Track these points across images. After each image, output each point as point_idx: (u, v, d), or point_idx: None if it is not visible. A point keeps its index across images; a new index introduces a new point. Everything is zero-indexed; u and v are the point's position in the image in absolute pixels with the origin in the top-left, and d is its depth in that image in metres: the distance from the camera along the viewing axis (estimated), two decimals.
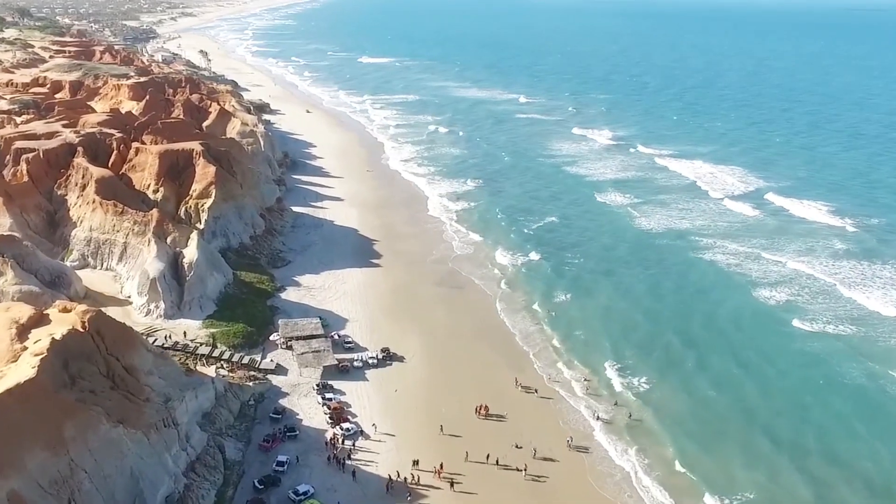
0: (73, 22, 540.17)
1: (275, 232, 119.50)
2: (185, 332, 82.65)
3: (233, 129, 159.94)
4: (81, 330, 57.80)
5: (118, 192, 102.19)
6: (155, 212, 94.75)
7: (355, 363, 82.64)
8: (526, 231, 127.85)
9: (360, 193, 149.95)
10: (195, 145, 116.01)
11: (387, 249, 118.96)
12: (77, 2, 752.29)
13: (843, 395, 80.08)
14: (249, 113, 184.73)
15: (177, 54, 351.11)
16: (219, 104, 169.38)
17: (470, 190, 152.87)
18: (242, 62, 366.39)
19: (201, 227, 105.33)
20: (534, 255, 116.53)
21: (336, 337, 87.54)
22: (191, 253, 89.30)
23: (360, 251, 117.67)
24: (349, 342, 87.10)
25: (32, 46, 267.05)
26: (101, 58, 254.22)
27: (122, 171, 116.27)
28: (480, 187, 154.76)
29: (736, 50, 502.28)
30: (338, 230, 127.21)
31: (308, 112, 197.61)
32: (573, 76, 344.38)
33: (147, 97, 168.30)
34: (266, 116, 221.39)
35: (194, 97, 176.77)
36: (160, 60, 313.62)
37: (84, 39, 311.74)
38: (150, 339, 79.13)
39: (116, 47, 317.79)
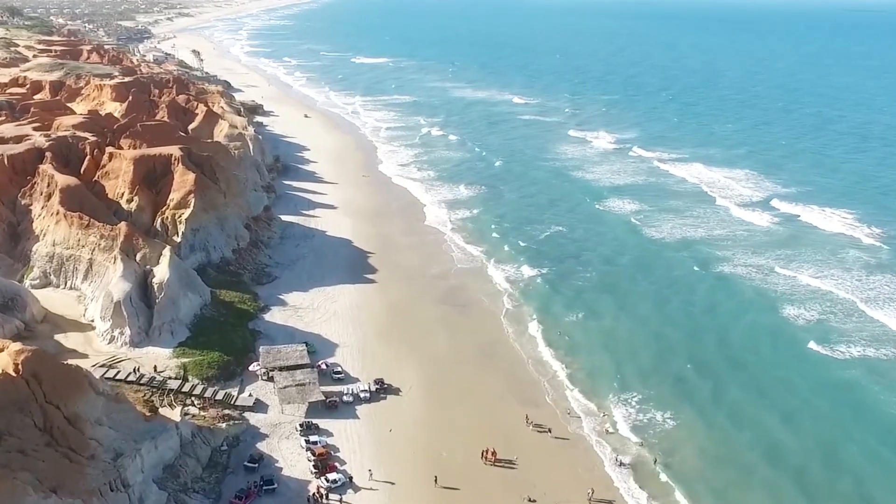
0: (66, 22, 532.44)
1: (261, 244, 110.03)
2: (155, 367, 73.02)
3: (220, 132, 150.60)
4: (14, 374, 48.48)
5: (85, 202, 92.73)
6: (123, 225, 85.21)
7: (345, 397, 73.21)
8: (528, 242, 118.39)
9: (354, 201, 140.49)
10: (174, 150, 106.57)
11: (382, 263, 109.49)
12: (74, 2, 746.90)
13: (877, 431, 71.14)
14: (239, 115, 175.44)
15: (169, 54, 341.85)
16: (206, 105, 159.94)
17: (468, 196, 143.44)
18: (237, 62, 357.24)
19: (178, 240, 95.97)
20: (538, 269, 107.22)
21: (324, 366, 78.09)
22: (162, 271, 79.87)
23: (353, 265, 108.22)
24: (338, 372, 77.63)
25: (17, 45, 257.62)
26: (88, 57, 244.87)
27: (96, 178, 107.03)
28: (479, 193, 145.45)
29: (734, 50, 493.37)
30: (330, 242, 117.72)
31: (306, 116, 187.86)
32: (570, 76, 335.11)
33: (130, 98, 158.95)
34: (258, 118, 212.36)
35: (181, 98, 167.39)
36: (151, 60, 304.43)
37: (72, 39, 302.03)
38: (112, 372, 69.84)
39: (107, 47, 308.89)
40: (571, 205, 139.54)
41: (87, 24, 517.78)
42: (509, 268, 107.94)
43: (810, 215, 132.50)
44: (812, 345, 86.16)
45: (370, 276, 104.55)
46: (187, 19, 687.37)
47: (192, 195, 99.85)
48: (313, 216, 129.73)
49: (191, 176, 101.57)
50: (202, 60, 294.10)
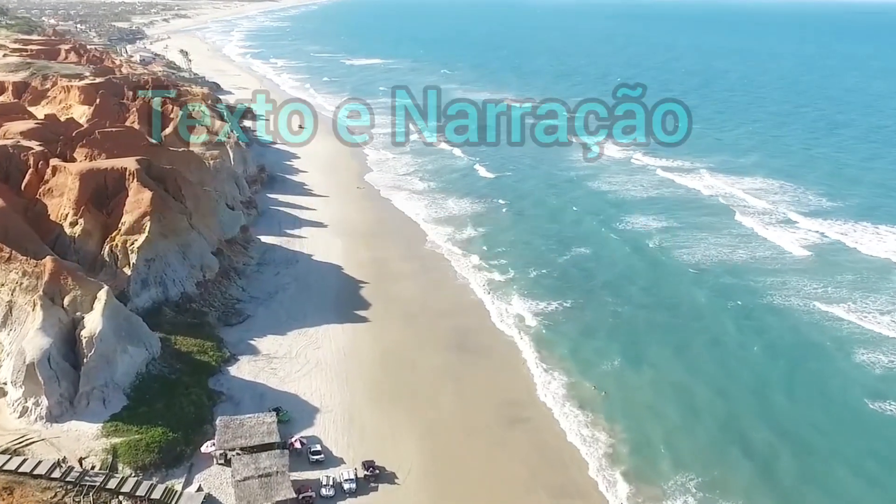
0: (58, 22, 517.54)
1: (233, 274, 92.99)
2: (81, 460, 56.11)
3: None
4: None
5: (11, 227, 75.73)
6: (48, 261, 68.13)
7: (324, 490, 56.26)
8: (546, 267, 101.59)
9: (347, 217, 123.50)
10: (129, 163, 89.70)
11: (377, 295, 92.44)
12: (72, 4, 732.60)
13: None
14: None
15: (158, 55, 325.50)
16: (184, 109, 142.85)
17: (475, 212, 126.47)
18: (230, 64, 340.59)
19: (129, 272, 79.10)
20: (560, 301, 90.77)
21: (298, 444, 61.10)
22: (93, 321, 62.92)
23: (342, 298, 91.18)
24: (317, 452, 60.60)
25: None
26: (66, 57, 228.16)
27: (38, 195, 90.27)
28: (486, 208, 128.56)
29: (734, 50, 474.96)
30: (317, 268, 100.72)
31: (301, 127, 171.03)
32: (573, 77, 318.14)
33: (97, 101, 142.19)
34: (247, 122, 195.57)
35: (157, 100, 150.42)
36: (138, 61, 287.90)
37: (52, 38, 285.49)
38: (15, 462, 52.89)
39: (90, 47, 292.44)
40: (593, 221, 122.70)
41: (78, 25, 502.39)
42: (529, 300, 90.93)
43: (842, 234, 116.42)
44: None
45: (362, 313, 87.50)
46: (184, 21, 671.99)
47: (148, 218, 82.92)
48: (299, 236, 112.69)
49: (147, 195, 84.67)
50: (190, 61, 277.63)
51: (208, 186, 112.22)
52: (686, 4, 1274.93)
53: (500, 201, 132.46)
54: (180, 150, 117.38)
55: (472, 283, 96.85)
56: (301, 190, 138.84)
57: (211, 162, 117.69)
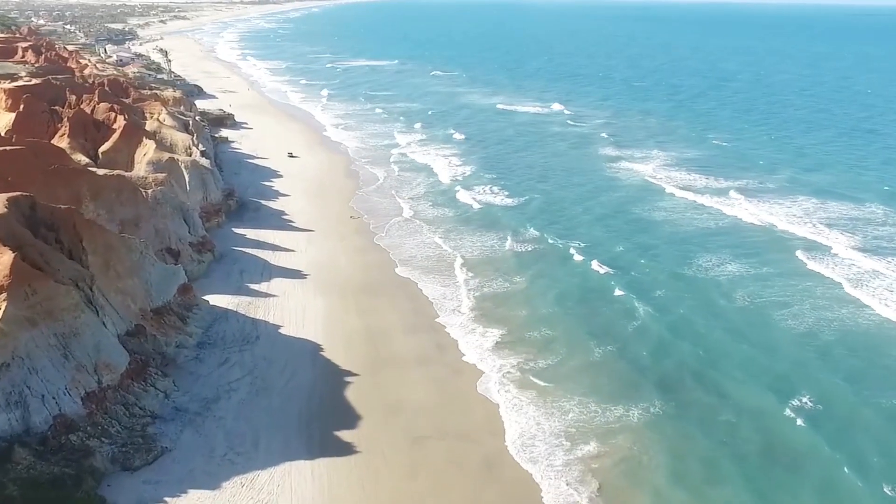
0: (47, 22, 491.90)
1: (155, 368, 62.16)
2: None
3: (143, 157, 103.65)
4: None
5: None
6: None
7: None
8: (613, 358, 69.38)
9: (334, 262, 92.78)
10: None
11: (368, 403, 61.42)
12: (70, 6, 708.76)
13: None
14: (187, 130, 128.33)
15: (142, 55, 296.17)
16: (127, 118, 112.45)
17: (489, 252, 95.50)
18: (220, 65, 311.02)
19: None
20: (638, 434, 58.98)
21: None
22: None
23: (317, 408, 60.20)
24: None
25: None
26: (22, 56, 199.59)
27: None
28: (513, 251, 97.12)
29: (737, 51, 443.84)
30: (285, 349, 69.81)
31: (292, 156, 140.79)
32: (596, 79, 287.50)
33: (21, 108, 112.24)
34: (225, 132, 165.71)
35: (102, 107, 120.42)
36: (115, 61, 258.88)
37: (15, 36, 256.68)
38: None
39: (68, 46, 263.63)
40: (655, 268, 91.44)
41: (66, 26, 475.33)
42: (607, 407, 59.82)
43: None
44: None
45: (345, 437, 56.52)
46: (182, 23, 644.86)
47: (4, 296, 52.36)
48: (265, 294, 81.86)
49: (6, 258, 54.10)
50: (170, 61, 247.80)
51: (144, 224, 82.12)
52: (683, 6, 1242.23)
53: (517, 232, 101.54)
54: (108, 174, 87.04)
55: (503, 375, 65.58)
56: (278, 221, 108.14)
57: (150, 191, 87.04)
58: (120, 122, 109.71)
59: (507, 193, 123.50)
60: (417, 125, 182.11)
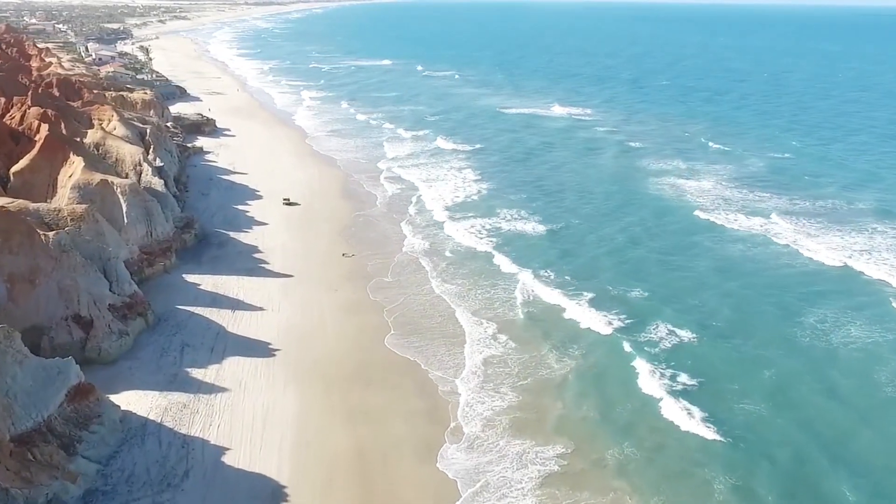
0: (38, 22, 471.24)
1: None
2: None
3: (67, 179, 78.31)
4: None
5: None
6: None
7: None
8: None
9: (315, 328, 66.84)
10: None
11: None
12: (69, 6, 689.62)
13: None
14: (143, 141, 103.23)
15: (126, 53, 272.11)
16: (51, 129, 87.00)
17: (524, 316, 69.83)
18: (212, 65, 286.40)
19: None
20: None
21: None
22: None
23: None
24: None
25: None
26: None
27: None
28: (529, 296, 71.29)
29: (740, 51, 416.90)
30: (223, 499, 44.19)
31: (288, 203, 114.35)
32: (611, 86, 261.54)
33: None
34: (201, 141, 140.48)
35: (32, 112, 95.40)
36: (93, 60, 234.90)
37: None
38: None
39: (46, 44, 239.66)
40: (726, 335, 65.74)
41: (58, 25, 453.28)
42: None
43: None
44: None
45: None
46: (181, 23, 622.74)
47: None
48: (212, 386, 56.07)
49: None
50: (151, 59, 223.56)
51: (42, 280, 57.03)
52: (693, 7, 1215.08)
53: (566, 281, 75.64)
54: (4, 205, 61.69)
55: None
56: (248, 263, 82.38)
57: (54, 233, 61.51)
58: (43, 132, 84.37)
59: (538, 219, 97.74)
60: (425, 132, 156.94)
